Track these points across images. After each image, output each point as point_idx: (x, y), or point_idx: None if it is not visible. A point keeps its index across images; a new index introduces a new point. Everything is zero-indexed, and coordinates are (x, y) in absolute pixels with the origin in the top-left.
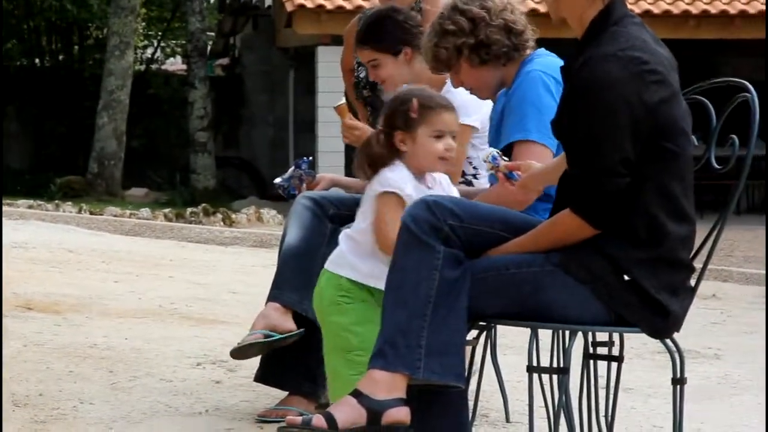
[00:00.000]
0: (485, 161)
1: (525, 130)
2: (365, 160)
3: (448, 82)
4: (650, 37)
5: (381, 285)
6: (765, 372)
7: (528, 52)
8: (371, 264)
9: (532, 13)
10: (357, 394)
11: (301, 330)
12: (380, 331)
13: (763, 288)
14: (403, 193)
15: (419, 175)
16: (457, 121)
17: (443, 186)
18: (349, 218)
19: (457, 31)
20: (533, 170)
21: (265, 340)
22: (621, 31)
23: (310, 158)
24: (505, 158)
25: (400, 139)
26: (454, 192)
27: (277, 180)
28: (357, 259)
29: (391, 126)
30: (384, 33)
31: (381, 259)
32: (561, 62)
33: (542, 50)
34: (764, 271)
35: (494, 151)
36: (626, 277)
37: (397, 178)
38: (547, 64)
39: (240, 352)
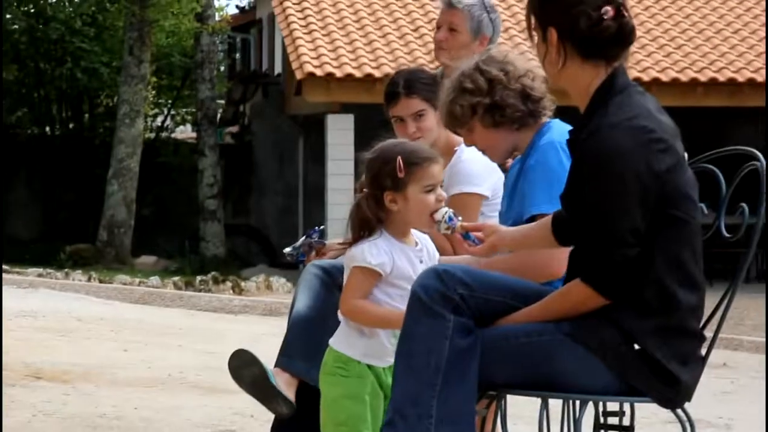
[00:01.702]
0: (439, 221)
1: (553, 202)
2: (357, 223)
3: (459, 147)
4: (653, 105)
5: (378, 363)
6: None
7: (544, 120)
8: (364, 342)
9: None
10: None
11: (291, 411)
12: (390, 401)
13: None
14: (371, 264)
15: (402, 236)
16: (442, 169)
17: (427, 245)
18: None
19: (474, 90)
20: (503, 232)
21: (266, 373)
22: (626, 101)
23: (322, 227)
24: (460, 218)
25: (390, 200)
26: (436, 252)
27: (287, 249)
28: (354, 337)
29: (379, 187)
30: (433, 84)
31: (374, 338)
32: None
33: (558, 120)
34: None
35: (450, 211)
36: (637, 347)
37: (362, 251)
38: (564, 133)
39: (239, 359)
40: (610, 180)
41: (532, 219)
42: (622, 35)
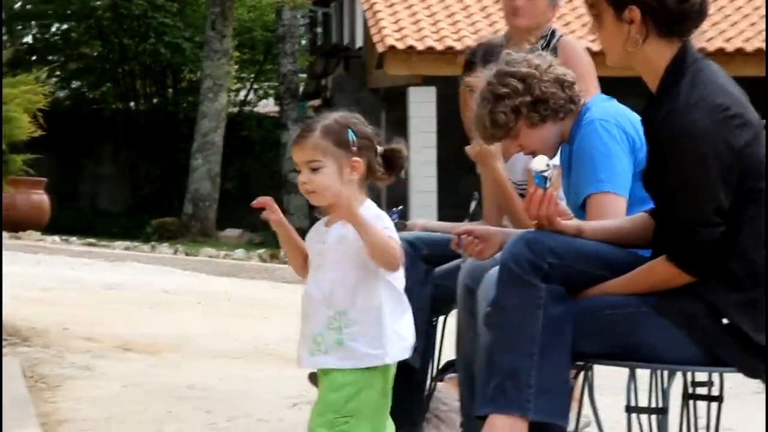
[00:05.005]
0: (531, 170)
1: (599, 182)
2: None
3: None
4: (722, 76)
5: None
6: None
7: (582, 102)
8: None
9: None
10: None
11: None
12: (488, 375)
13: None
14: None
15: (332, 216)
16: (309, 151)
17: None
18: (442, 259)
19: (511, 93)
20: (595, 223)
21: None
22: (698, 77)
23: (401, 208)
24: (550, 182)
25: None
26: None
27: None
28: None
29: None
30: None
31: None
32: (619, 106)
33: (597, 97)
34: None
35: (553, 172)
36: (724, 321)
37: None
38: (605, 110)
39: (313, 381)
40: (691, 161)
41: (584, 204)
42: (702, 10)
